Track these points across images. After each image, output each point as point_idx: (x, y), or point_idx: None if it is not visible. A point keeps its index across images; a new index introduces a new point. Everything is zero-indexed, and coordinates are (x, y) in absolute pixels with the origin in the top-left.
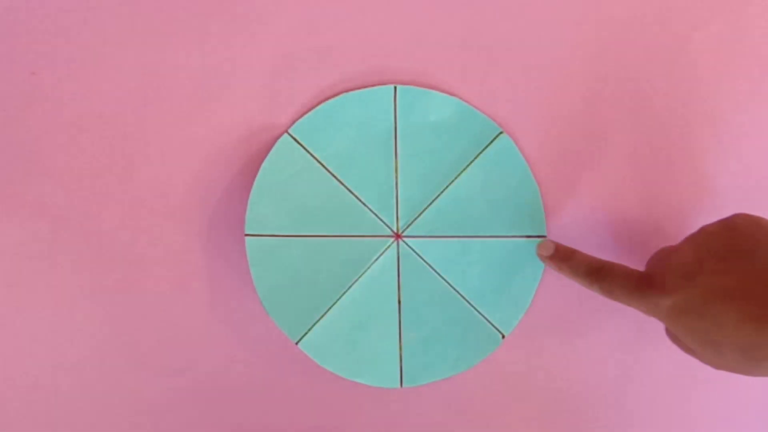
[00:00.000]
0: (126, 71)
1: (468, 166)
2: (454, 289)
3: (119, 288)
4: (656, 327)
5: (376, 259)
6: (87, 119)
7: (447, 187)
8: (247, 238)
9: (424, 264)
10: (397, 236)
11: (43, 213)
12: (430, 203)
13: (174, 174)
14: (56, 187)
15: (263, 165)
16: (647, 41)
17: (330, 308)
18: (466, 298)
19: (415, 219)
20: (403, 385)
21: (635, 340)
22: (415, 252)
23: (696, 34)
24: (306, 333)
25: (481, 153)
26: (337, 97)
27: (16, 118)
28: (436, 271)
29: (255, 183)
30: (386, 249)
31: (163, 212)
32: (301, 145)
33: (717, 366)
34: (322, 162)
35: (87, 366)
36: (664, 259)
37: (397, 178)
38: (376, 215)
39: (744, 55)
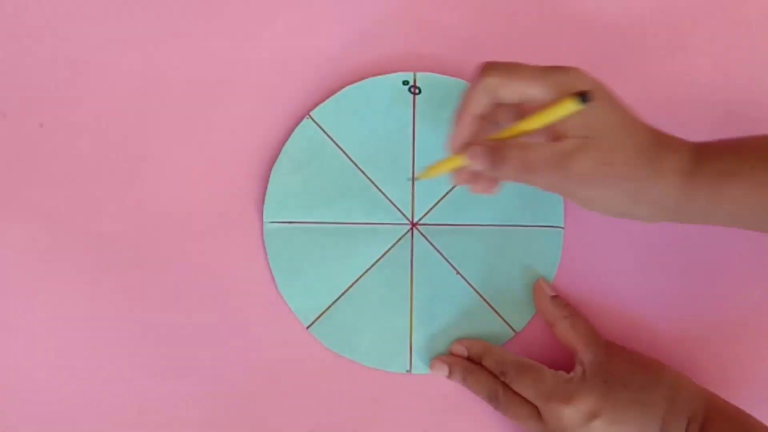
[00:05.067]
0: (126, 72)
1: None
2: (467, 281)
3: (123, 288)
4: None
5: (391, 248)
6: (87, 121)
7: None
8: (265, 224)
9: (438, 254)
10: (413, 225)
11: (44, 216)
12: (447, 192)
13: (184, 167)
14: (57, 190)
15: (284, 149)
16: (648, 38)
17: (343, 294)
18: (479, 290)
19: (432, 208)
20: (412, 371)
21: (650, 335)
22: (429, 241)
23: (695, 32)
24: (318, 318)
25: None
26: (358, 83)
27: (15, 121)
28: (449, 261)
29: (275, 167)
30: (401, 237)
31: (171, 207)
32: (321, 129)
33: None
34: (342, 146)
35: (89, 369)
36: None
37: (414, 165)
38: (392, 203)
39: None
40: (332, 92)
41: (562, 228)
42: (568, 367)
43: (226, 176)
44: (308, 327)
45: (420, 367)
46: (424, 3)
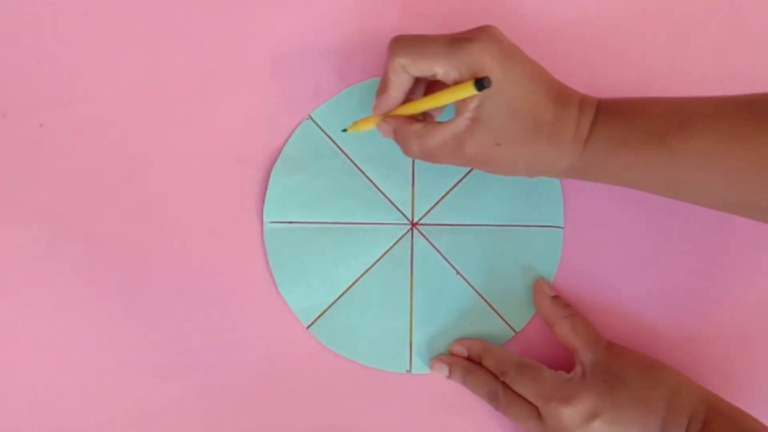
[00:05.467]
0: (126, 72)
1: None
2: (467, 281)
3: (123, 288)
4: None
5: (391, 248)
6: (87, 121)
7: (465, 176)
8: (265, 224)
9: (438, 254)
10: (413, 225)
11: (44, 216)
12: (447, 192)
13: (184, 167)
14: (57, 190)
15: (284, 149)
16: (648, 38)
17: (343, 294)
18: (479, 290)
19: (432, 208)
20: (412, 371)
21: (649, 335)
22: (429, 242)
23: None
24: (318, 318)
25: None
26: (358, 84)
27: (15, 121)
28: (449, 261)
29: (275, 167)
30: (401, 237)
31: (171, 207)
32: (322, 129)
33: None
34: (342, 147)
35: (89, 369)
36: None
37: (414, 165)
38: (392, 203)
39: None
40: (332, 93)
41: (562, 228)
42: (568, 367)
43: (226, 176)
44: (308, 327)
45: (420, 367)
46: (424, 3)
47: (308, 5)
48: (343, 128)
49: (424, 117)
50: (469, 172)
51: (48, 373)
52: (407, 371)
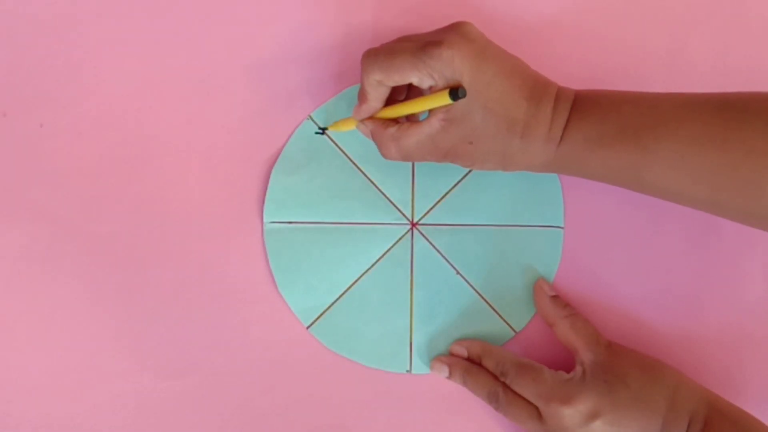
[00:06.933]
0: (126, 72)
1: None
2: (467, 281)
3: (123, 288)
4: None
5: (391, 248)
6: (87, 121)
7: (465, 176)
8: (265, 224)
9: (438, 254)
10: (413, 225)
11: (44, 216)
12: (447, 192)
13: (184, 167)
14: (57, 190)
15: (284, 149)
16: (647, 39)
17: (343, 294)
18: (479, 290)
19: (432, 208)
20: (412, 371)
21: (649, 335)
22: (429, 241)
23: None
24: (318, 318)
25: None
26: (357, 84)
27: (15, 121)
28: (449, 261)
29: (275, 167)
30: (401, 237)
31: (171, 207)
32: (322, 130)
33: None
34: (342, 147)
35: (89, 369)
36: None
37: (414, 166)
38: (392, 203)
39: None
40: (332, 93)
41: (562, 228)
42: (568, 367)
43: (226, 176)
44: (308, 327)
45: (420, 367)
46: (424, 3)
47: (308, 6)
48: (323, 127)
49: (407, 116)
50: (469, 172)
51: (47, 373)
52: (407, 371)
